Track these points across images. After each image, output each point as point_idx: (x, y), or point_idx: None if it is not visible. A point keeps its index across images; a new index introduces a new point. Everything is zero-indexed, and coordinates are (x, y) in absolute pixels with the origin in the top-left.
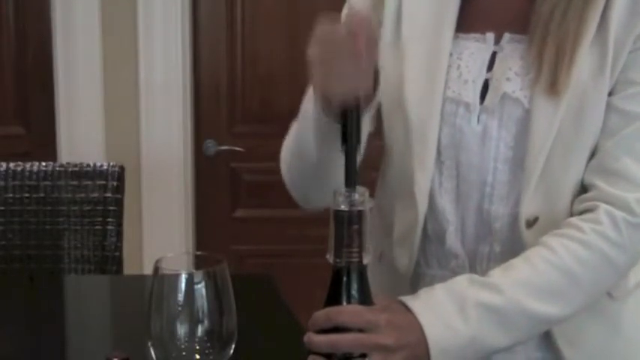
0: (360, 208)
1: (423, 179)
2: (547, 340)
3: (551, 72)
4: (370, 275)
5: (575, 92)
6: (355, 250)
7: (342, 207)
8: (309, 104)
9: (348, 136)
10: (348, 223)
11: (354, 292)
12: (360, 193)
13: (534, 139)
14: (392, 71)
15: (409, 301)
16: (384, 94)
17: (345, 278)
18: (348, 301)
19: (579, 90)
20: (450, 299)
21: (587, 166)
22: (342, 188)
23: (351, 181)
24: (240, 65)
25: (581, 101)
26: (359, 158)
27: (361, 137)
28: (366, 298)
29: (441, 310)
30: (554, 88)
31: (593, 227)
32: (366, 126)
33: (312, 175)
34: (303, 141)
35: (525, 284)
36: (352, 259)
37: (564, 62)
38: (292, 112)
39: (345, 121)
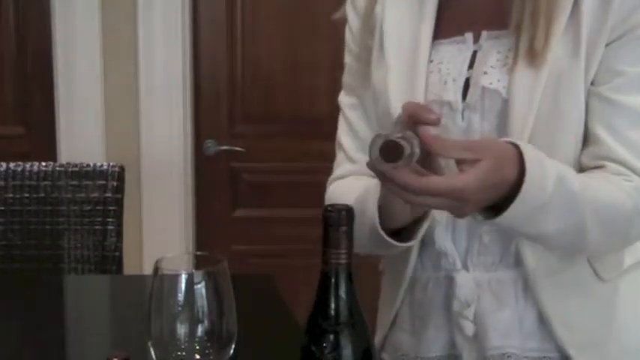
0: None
1: None
2: (543, 328)
3: (530, 29)
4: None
5: (551, 77)
6: (343, 252)
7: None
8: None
9: None
10: (337, 225)
11: (342, 294)
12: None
13: (514, 125)
14: (379, 84)
15: (521, 144)
16: (376, 106)
17: (333, 280)
18: (337, 303)
19: (555, 74)
20: (550, 163)
21: (576, 152)
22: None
23: None
24: (240, 65)
25: (557, 87)
26: None
27: None
28: (354, 300)
29: (544, 166)
30: (533, 47)
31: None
32: None
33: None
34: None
35: (598, 200)
36: (340, 261)
37: (541, 22)
38: (292, 113)
39: None
